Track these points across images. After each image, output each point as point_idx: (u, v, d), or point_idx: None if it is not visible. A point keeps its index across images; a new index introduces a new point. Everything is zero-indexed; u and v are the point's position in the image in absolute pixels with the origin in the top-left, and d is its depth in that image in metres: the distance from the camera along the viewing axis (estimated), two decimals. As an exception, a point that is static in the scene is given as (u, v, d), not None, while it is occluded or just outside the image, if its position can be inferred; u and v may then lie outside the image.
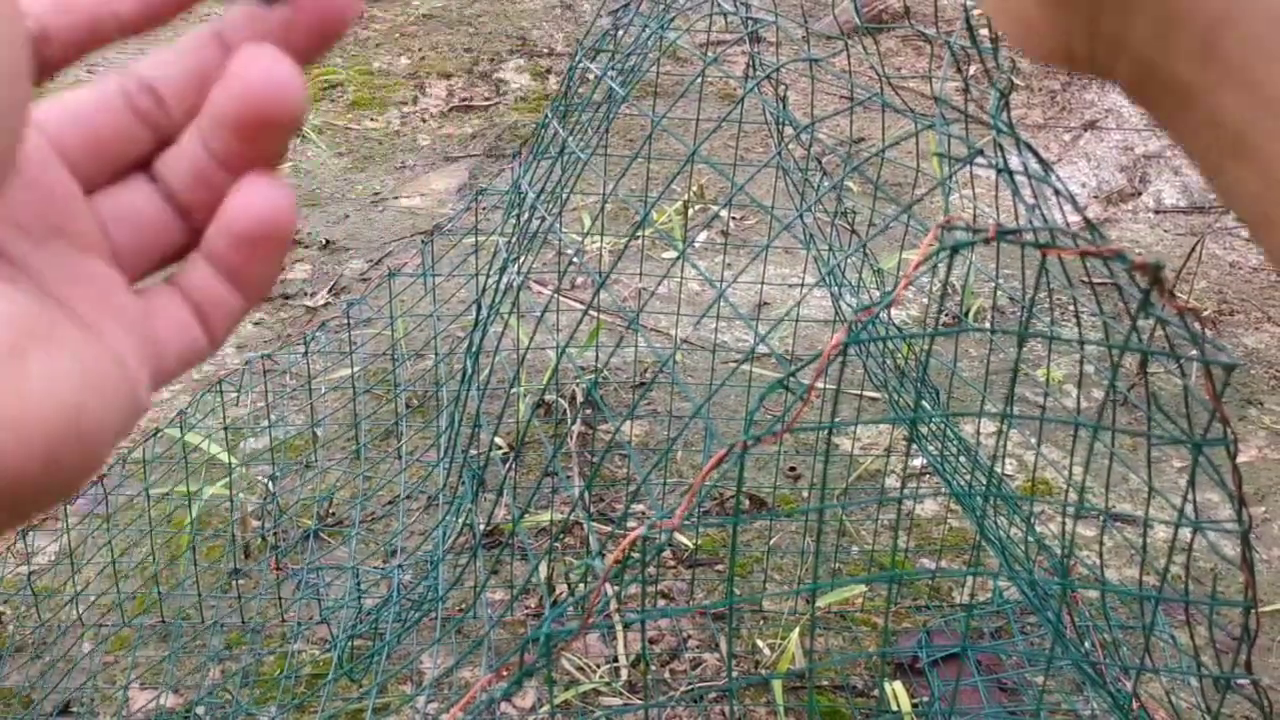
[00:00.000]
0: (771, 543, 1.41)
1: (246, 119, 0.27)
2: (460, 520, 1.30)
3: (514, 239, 1.11)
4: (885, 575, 0.83)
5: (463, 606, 1.29)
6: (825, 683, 1.22)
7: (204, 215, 0.29)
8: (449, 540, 1.28)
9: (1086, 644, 0.96)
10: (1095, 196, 2.46)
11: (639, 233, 2.10)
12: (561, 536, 1.41)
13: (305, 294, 2.01)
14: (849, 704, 1.18)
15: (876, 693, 1.19)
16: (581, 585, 1.31)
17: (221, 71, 0.27)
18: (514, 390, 1.57)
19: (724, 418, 1.64)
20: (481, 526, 1.33)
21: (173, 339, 0.29)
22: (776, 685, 1.17)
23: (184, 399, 1.67)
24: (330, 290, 2.02)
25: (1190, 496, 0.60)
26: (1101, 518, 1.00)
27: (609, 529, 1.40)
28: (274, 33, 0.28)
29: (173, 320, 0.29)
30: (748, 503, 1.48)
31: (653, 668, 1.23)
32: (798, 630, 1.22)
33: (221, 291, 0.30)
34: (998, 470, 0.79)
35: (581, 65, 1.05)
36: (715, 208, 2.31)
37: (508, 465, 1.34)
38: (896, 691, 1.13)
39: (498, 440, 1.57)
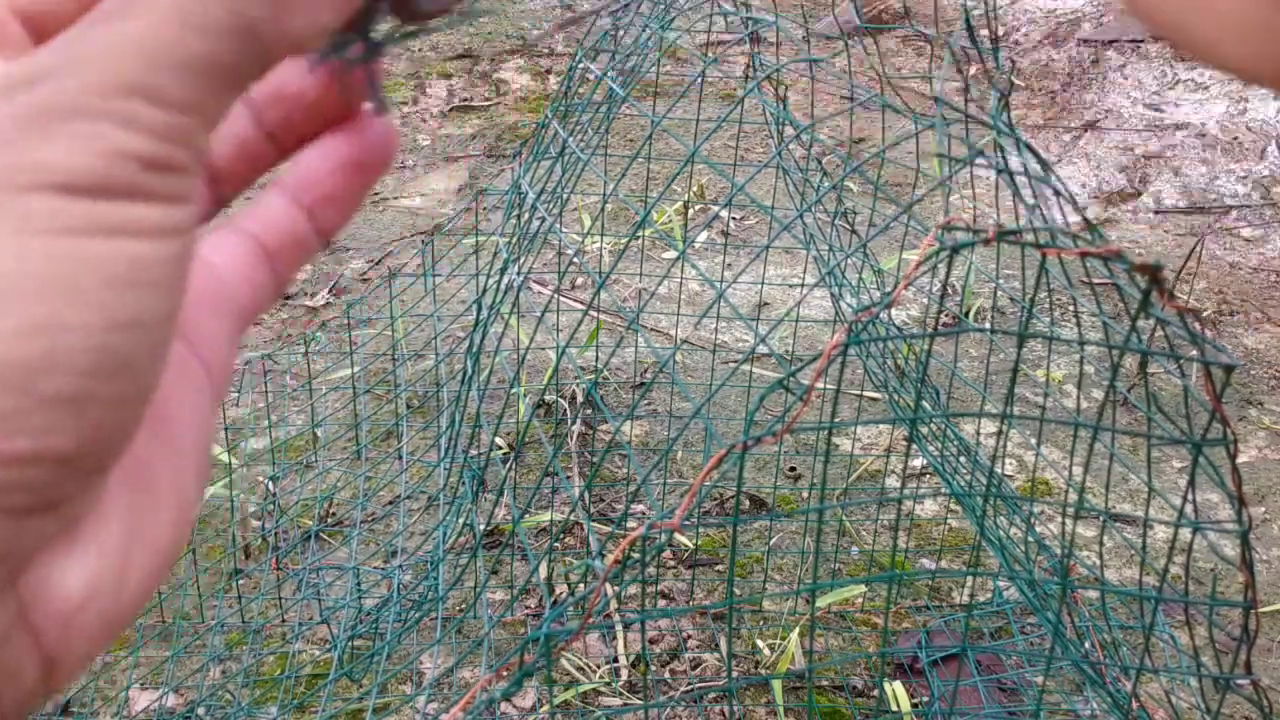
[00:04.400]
0: (771, 543, 1.41)
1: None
2: (460, 520, 1.30)
3: (514, 239, 1.11)
4: (885, 575, 0.83)
5: (463, 606, 1.29)
6: (825, 683, 1.22)
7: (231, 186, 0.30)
8: (449, 540, 1.28)
9: (1086, 644, 0.96)
10: (1095, 196, 2.46)
11: (639, 233, 2.10)
12: (561, 536, 1.41)
13: (305, 294, 2.01)
14: (849, 704, 1.18)
15: (876, 693, 1.19)
16: (581, 585, 1.31)
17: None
18: (514, 390, 1.57)
19: (724, 418, 1.64)
20: (481, 526, 1.33)
21: (243, 290, 0.30)
22: (776, 685, 1.17)
23: (184, 399, 1.67)
24: (330, 290, 2.02)
25: (1190, 497, 0.60)
26: (1101, 518, 1.00)
27: (609, 529, 1.40)
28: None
29: (242, 269, 0.30)
30: (748, 503, 1.48)
31: (653, 668, 1.23)
32: (798, 630, 1.22)
33: (301, 226, 0.30)
34: (998, 470, 0.79)
35: (581, 65, 1.05)
36: (715, 208, 2.31)
37: (508, 465, 1.34)
38: (896, 691, 1.13)
39: (498, 440, 1.57)
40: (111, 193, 0.23)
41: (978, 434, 1.27)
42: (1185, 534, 0.63)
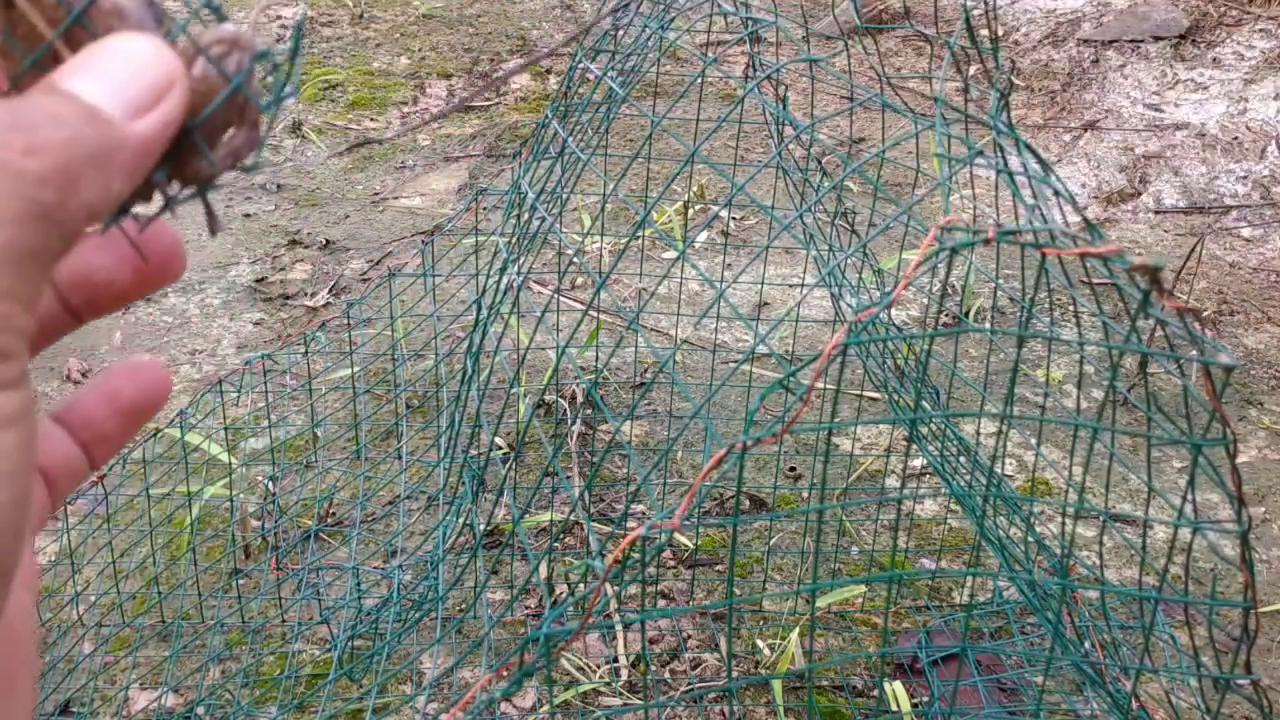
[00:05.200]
0: (771, 543, 1.41)
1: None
2: (460, 520, 1.30)
3: (514, 239, 1.11)
4: (885, 575, 0.83)
5: (463, 606, 1.29)
6: (825, 683, 1.22)
7: None
8: (449, 540, 1.28)
9: (1086, 644, 0.96)
10: (1095, 196, 2.46)
11: (639, 233, 2.11)
12: (561, 536, 1.41)
13: (305, 294, 2.01)
14: (849, 704, 1.18)
15: (876, 693, 1.19)
16: (581, 585, 1.31)
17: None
18: (514, 390, 1.57)
19: (724, 418, 1.64)
20: (481, 526, 1.33)
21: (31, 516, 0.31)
22: (776, 685, 1.17)
23: (184, 399, 1.67)
24: (330, 290, 2.02)
25: (1190, 497, 0.60)
26: (1101, 518, 1.00)
27: (609, 529, 1.40)
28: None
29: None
30: (748, 503, 1.48)
31: (653, 668, 1.23)
32: (798, 630, 1.22)
33: (77, 459, 0.32)
34: (998, 470, 0.79)
35: (581, 65, 1.05)
36: (715, 208, 2.31)
37: (508, 465, 1.34)
38: (896, 691, 1.13)
39: (498, 440, 1.57)
40: None
41: (978, 434, 1.27)
42: (1185, 534, 0.64)
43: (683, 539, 1.40)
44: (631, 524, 1.44)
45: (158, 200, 0.30)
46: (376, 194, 2.44)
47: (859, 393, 1.69)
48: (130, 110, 0.27)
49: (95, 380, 0.32)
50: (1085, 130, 2.69)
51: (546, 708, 1.16)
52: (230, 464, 1.39)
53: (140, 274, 0.31)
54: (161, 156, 0.29)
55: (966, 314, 1.88)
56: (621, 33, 1.05)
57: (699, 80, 0.85)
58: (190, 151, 0.29)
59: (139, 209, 0.30)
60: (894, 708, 1.11)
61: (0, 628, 0.27)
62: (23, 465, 0.25)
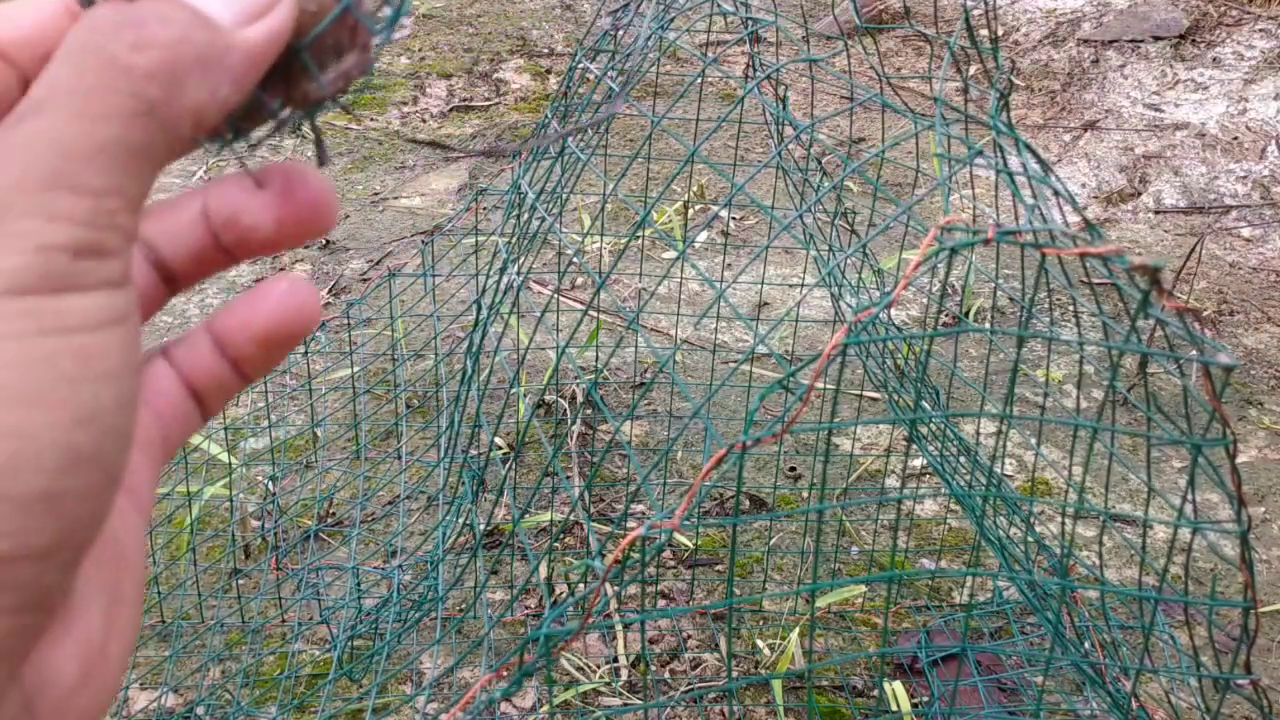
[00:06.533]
0: (771, 543, 1.41)
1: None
2: (460, 520, 1.30)
3: (514, 239, 1.11)
4: (885, 575, 0.83)
5: (463, 606, 1.29)
6: (825, 683, 1.22)
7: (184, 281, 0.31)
8: (449, 540, 1.28)
9: (1086, 644, 0.96)
10: (1095, 196, 2.46)
11: (639, 233, 2.11)
12: (561, 536, 1.41)
13: (305, 294, 2.01)
14: (849, 704, 1.18)
15: (876, 693, 1.19)
16: (581, 585, 1.31)
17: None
18: (514, 390, 1.57)
19: (724, 418, 1.64)
20: (481, 526, 1.33)
21: (173, 424, 0.30)
22: (776, 685, 1.17)
23: (184, 399, 1.67)
24: (330, 290, 2.02)
25: (1190, 497, 0.60)
26: (1101, 518, 1.00)
27: (609, 529, 1.41)
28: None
29: (171, 405, 0.30)
30: (748, 503, 1.48)
31: (653, 668, 1.23)
32: (798, 630, 1.22)
33: (226, 375, 0.31)
34: (998, 470, 0.79)
35: (581, 65, 1.05)
36: (715, 208, 2.31)
37: (508, 465, 1.34)
38: (896, 691, 1.13)
39: (498, 440, 1.57)
40: (47, 287, 0.23)
41: (978, 434, 1.27)
42: (1185, 534, 0.64)
43: (683, 539, 1.40)
44: (631, 524, 1.44)
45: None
46: (376, 194, 2.44)
47: (859, 393, 1.69)
48: (239, 18, 0.27)
49: (237, 299, 0.31)
50: (1085, 130, 2.69)
51: (546, 708, 1.16)
52: (230, 464, 1.39)
53: (282, 220, 0.30)
54: (272, 77, 0.29)
55: (966, 314, 1.88)
56: (621, 33, 1.05)
57: (699, 80, 0.85)
58: (300, 73, 0.29)
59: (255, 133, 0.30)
60: (894, 708, 1.11)
61: (107, 543, 0.27)
62: (126, 364, 0.24)
